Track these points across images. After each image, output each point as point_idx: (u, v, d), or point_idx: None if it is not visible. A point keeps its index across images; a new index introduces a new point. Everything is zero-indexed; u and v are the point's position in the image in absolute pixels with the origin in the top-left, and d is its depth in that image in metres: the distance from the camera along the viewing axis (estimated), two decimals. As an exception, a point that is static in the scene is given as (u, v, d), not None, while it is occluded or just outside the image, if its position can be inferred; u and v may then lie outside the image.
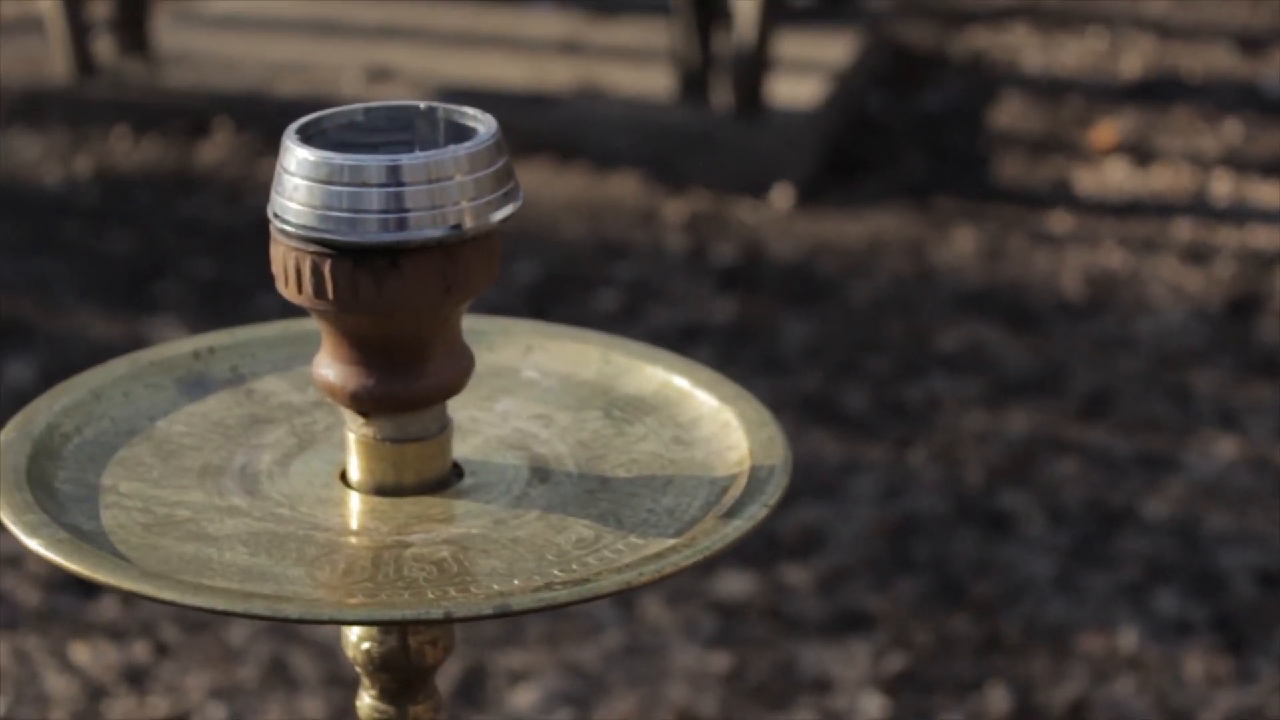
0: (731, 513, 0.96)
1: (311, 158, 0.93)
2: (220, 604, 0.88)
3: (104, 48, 4.19)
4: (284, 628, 2.43)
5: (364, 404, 0.97)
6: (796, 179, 3.77)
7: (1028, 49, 4.58)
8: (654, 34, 4.22)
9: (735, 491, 0.98)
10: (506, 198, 0.95)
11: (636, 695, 2.37)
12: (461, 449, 1.02)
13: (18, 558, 2.58)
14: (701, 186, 3.76)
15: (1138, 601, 2.54)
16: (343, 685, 2.36)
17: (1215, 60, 4.49)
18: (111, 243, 3.57)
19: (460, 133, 0.97)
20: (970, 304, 3.35)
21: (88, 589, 2.51)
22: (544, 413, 1.06)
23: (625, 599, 2.52)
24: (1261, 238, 3.61)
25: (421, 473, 0.99)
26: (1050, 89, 4.32)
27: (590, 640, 2.46)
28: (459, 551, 0.94)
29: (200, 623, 2.47)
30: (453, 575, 0.92)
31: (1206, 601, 2.54)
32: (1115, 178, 3.89)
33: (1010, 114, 4.21)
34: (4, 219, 3.65)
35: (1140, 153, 4.00)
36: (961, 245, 3.58)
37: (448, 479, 1.00)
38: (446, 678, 2.36)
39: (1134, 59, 4.50)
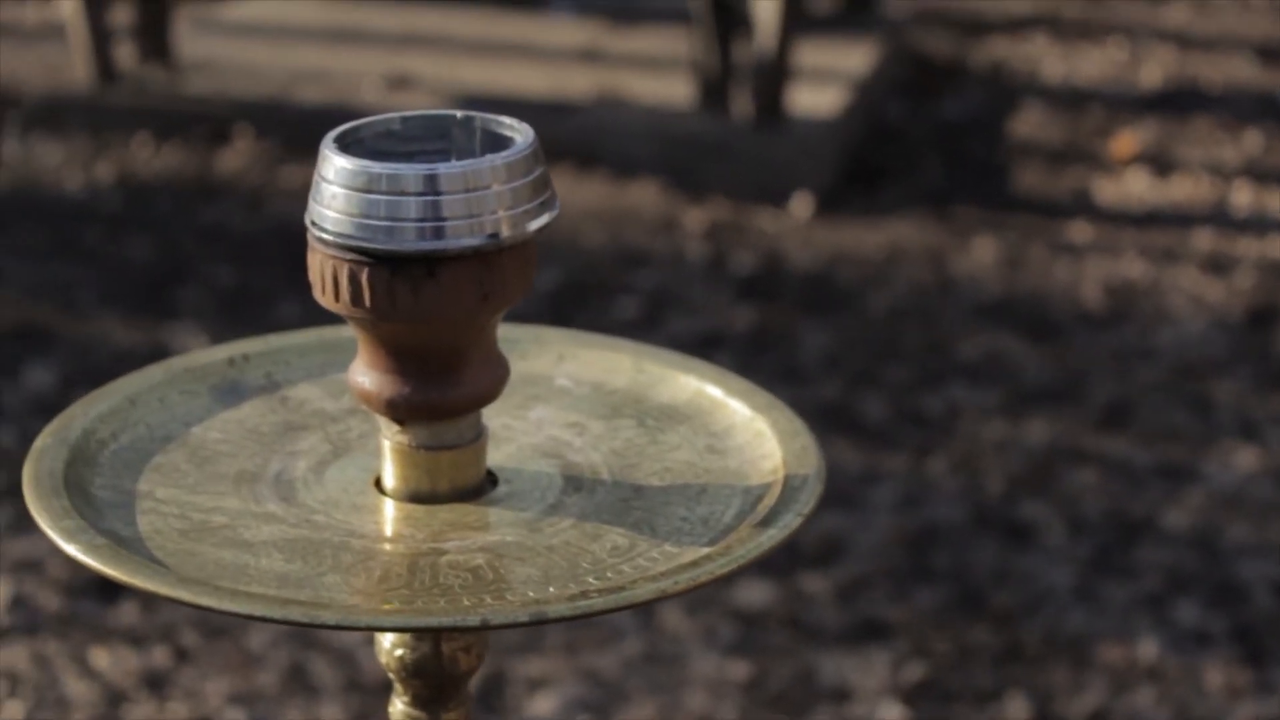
0: (766, 521, 0.96)
1: (349, 166, 0.93)
2: (258, 610, 0.89)
3: (125, 55, 4.20)
4: (303, 633, 2.44)
5: (400, 411, 0.97)
6: (816, 188, 3.77)
7: (1048, 58, 4.59)
8: (674, 42, 4.22)
9: (770, 500, 0.99)
10: (543, 207, 0.95)
11: (656, 703, 2.37)
12: (495, 457, 1.02)
13: (38, 562, 2.59)
14: (721, 195, 3.77)
15: (1158, 612, 2.54)
16: (362, 691, 2.36)
17: (1235, 71, 4.49)
18: (132, 249, 3.57)
19: (497, 142, 0.97)
20: (990, 313, 3.35)
21: (108, 594, 2.52)
22: (577, 421, 1.07)
23: (645, 607, 2.52)
24: (1281, 249, 3.62)
25: (456, 480, 0.99)
26: (1070, 99, 4.32)
27: (610, 648, 2.46)
28: (494, 559, 0.94)
29: (220, 628, 2.48)
30: (488, 583, 0.92)
31: (1226, 612, 2.54)
32: (1135, 188, 3.89)
33: (1030, 123, 4.21)
34: (26, 225, 3.66)
35: (1160, 163, 4.00)
36: (981, 255, 3.58)
37: (482, 487, 1.00)
38: (467, 684, 2.36)
39: (1154, 69, 4.50)
